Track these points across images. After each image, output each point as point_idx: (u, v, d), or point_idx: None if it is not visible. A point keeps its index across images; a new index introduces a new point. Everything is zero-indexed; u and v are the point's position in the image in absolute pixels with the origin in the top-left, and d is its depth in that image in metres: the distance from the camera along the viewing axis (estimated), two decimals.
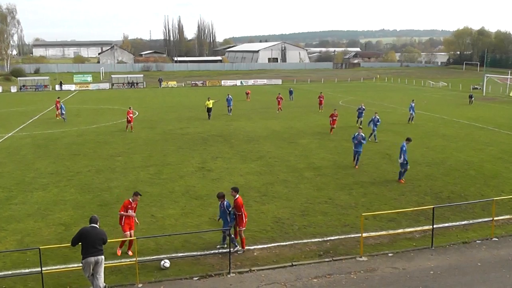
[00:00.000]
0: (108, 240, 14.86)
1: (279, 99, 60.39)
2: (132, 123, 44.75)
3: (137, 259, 15.72)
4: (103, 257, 14.33)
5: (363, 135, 30.80)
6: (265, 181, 27.22)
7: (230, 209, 17.82)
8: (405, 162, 26.95)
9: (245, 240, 18.17)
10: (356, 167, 30.37)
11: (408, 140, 27.79)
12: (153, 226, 20.51)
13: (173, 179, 27.97)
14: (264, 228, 20.19)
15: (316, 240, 19.08)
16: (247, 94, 77.23)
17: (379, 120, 39.18)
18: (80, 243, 14.31)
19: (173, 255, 17.32)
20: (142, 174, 29.09)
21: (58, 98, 59.83)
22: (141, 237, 17.77)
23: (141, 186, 26.35)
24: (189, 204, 23.39)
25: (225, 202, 17.88)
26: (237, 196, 18.03)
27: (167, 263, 16.44)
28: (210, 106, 51.85)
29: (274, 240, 19.01)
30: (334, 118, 42.73)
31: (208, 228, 20.01)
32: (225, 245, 17.91)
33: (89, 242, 14.14)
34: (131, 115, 44.72)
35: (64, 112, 51.68)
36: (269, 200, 23.93)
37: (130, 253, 17.56)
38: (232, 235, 17.84)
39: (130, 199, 17.74)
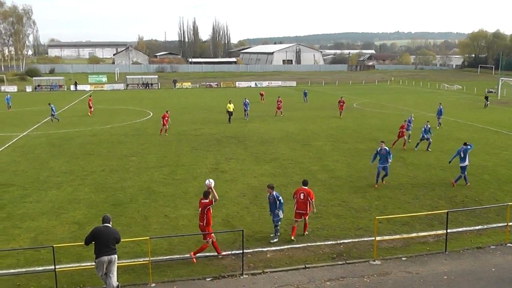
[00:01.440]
0: (122, 240, 14.89)
1: (279, 103, 58.79)
2: (166, 127, 43.92)
3: (150, 259, 15.73)
4: (116, 256, 14.35)
5: (387, 148, 27.36)
6: (278, 183, 27.11)
7: (280, 199, 18.92)
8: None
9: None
10: (376, 185, 27.09)
11: (465, 144, 27.97)
12: (166, 226, 20.55)
13: (186, 179, 28.01)
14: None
15: (329, 242, 19.00)
16: (261, 95, 77.15)
17: (430, 129, 37.26)
18: (93, 242, 14.34)
19: (186, 255, 17.31)
20: (156, 174, 29.16)
21: (91, 96, 63.77)
22: (154, 237, 17.83)
23: (155, 186, 26.46)
24: None
25: (274, 193, 18.99)
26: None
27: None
28: (231, 109, 51.53)
29: (287, 242, 18.94)
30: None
31: (221, 229, 19.99)
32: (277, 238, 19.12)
33: (102, 241, 14.16)
34: (167, 118, 44.02)
35: (54, 113, 51.60)
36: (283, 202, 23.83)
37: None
38: (278, 226, 19.16)
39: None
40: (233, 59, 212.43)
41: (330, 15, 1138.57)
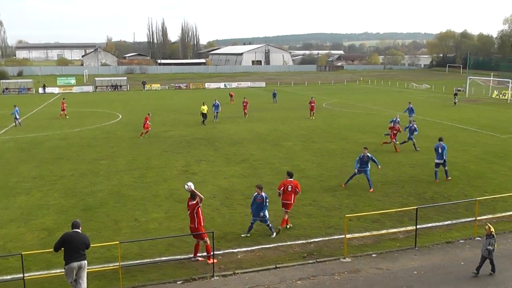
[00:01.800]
0: (92, 245, 14.76)
1: (245, 104, 58.48)
2: (149, 130, 43.65)
3: (121, 263, 15.63)
4: (86, 262, 14.21)
5: (370, 155, 26.37)
6: (249, 184, 27.18)
7: (267, 200, 19.60)
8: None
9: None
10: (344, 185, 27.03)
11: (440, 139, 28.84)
12: (136, 230, 20.40)
13: (157, 182, 27.87)
14: None
15: (300, 242, 19.12)
16: (231, 96, 77.13)
17: (416, 129, 37.07)
18: (63, 248, 14.19)
19: (157, 259, 17.26)
20: (125, 177, 28.94)
21: (64, 99, 62.48)
22: (124, 241, 17.67)
23: (125, 190, 26.26)
24: (173, 207, 23.31)
25: (262, 194, 19.51)
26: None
27: None
28: (205, 111, 51.22)
29: (258, 242, 19.00)
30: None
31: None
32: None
33: (72, 247, 14.01)
34: (147, 122, 43.74)
35: (17, 118, 50.85)
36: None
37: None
38: (269, 222, 19.78)
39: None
40: (203, 60, 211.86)
41: (299, 16, 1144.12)
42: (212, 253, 17.04)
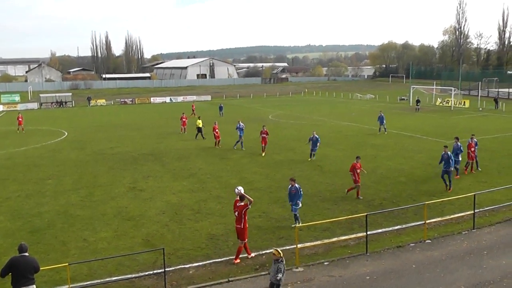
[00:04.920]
0: (40, 268, 14.45)
1: (184, 119, 56.06)
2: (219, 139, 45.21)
3: (70, 286, 15.42)
4: (35, 286, 13.87)
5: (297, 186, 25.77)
6: (198, 198, 27.21)
7: (301, 190, 22.15)
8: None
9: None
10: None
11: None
12: (85, 250, 20.07)
13: (104, 200, 27.49)
14: (199, 246, 20.17)
15: (251, 254, 19.21)
16: (192, 109, 77.26)
17: (318, 139, 37.34)
18: (10, 274, 13.83)
19: (107, 279, 17.05)
20: (73, 197, 28.42)
21: (20, 113, 63.72)
22: (73, 263, 17.33)
23: (72, 209, 25.78)
24: (122, 225, 23.06)
25: (296, 185, 22.05)
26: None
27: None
28: (200, 125, 50.55)
29: (209, 257, 19.00)
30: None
31: (141, 249, 19.75)
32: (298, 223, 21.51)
33: (20, 272, 13.64)
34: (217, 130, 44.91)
35: None
36: (203, 217, 23.93)
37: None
38: (298, 214, 22.16)
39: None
40: (147, 74, 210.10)
41: (242, 29, 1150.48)
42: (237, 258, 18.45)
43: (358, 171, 26.81)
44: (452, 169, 28.08)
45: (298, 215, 22.28)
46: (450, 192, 26.90)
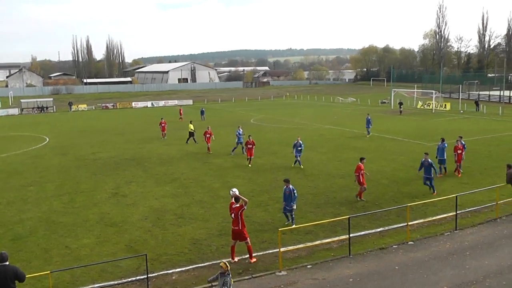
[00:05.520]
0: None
1: (163, 125, 54.83)
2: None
3: None
4: None
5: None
6: (181, 203, 27.20)
7: (295, 192, 22.58)
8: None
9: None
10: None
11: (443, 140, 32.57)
12: (68, 257, 19.95)
13: (87, 207, 27.35)
14: (182, 251, 20.18)
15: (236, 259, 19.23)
16: (180, 113, 77.42)
17: (302, 145, 36.20)
18: None
19: (90, 286, 16.98)
20: (55, 203, 28.22)
21: None
22: (55, 270, 17.24)
23: (55, 216, 25.61)
24: (104, 232, 22.97)
25: (290, 186, 22.53)
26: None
27: None
28: (192, 129, 50.18)
29: (192, 262, 19.01)
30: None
31: (124, 255, 19.68)
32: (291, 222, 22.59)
33: (0, 282, 13.54)
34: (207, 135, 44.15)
35: None
36: (186, 222, 23.93)
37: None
38: (293, 214, 22.79)
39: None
40: (129, 79, 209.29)
41: (224, 33, 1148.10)
42: (253, 257, 18.87)
43: (362, 172, 27.03)
44: (438, 175, 28.41)
45: (293, 215, 22.79)
46: (434, 195, 27.17)
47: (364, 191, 27.06)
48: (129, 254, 19.79)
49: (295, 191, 22.61)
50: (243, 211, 18.80)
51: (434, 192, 27.63)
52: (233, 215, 18.83)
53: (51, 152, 46.76)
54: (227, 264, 14.06)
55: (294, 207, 22.65)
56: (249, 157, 37.40)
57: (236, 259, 18.92)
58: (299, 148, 35.78)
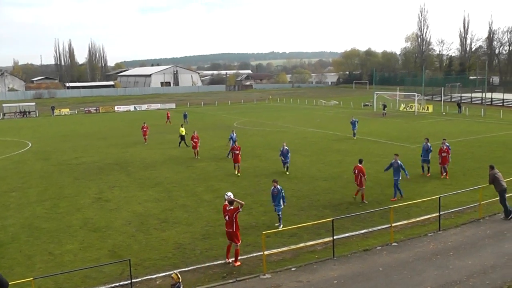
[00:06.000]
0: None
1: (144, 129, 54.26)
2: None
3: None
4: None
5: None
6: (164, 208, 27.18)
7: (283, 191, 23.10)
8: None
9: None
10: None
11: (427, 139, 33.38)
12: (51, 264, 19.85)
13: (70, 212, 27.21)
14: (166, 255, 20.18)
15: (219, 262, 19.30)
16: (167, 116, 77.25)
17: (288, 150, 35.55)
18: None
19: None
20: (38, 209, 28.03)
21: None
22: (38, 277, 17.12)
23: (37, 222, 25.45)
24: (88, 237, 22.88)
25: (278, 186, 22.96)
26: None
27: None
28: (183, 133, 50.13)
29: (176, 266, 18.98)
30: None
31: (107, 261, 19.63)
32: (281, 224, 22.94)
33: None
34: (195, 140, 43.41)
35: None
36: (169, 227, 23.92)
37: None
38: (280, 214, 23.19)
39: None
40: (111, 83, 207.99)
41: (206, 36, 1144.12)
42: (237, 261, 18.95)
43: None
44: (408, 177, 28.45)
45: (281, 216, 23.23)
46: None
47: (360, 191, 27.37)
48: (113, 260, 19.73)
49: (283, 191, 23.12)
50: (238, 214, 18.98)
51: (401, 196, 27.48)
52: (227, 217, 19.00)
53: (34, 157, 46.43)
54: (179, 276, 14.06)
55: (282, 205, 23.20)
56: (235, 163, 35.71)
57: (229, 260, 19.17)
58: (289, 155, 35.28)
